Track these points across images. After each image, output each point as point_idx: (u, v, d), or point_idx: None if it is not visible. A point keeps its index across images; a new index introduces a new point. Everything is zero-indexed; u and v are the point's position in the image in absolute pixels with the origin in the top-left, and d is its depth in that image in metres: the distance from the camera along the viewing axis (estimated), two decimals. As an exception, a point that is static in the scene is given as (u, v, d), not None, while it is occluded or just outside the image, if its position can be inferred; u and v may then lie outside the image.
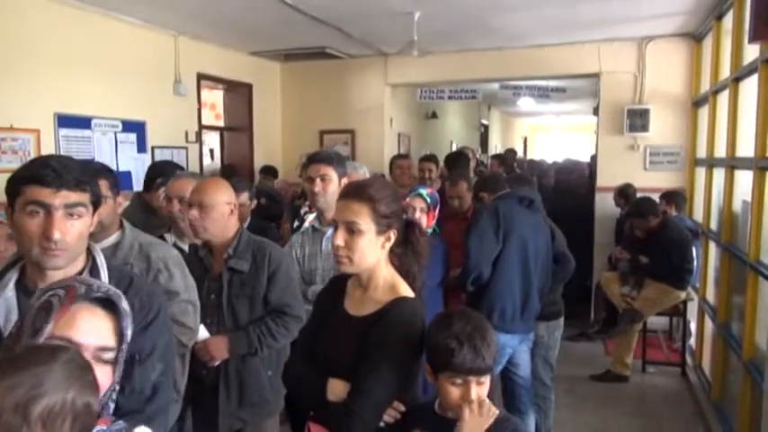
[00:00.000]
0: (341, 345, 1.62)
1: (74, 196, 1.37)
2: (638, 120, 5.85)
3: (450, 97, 7.23)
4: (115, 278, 1.49)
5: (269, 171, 6.41)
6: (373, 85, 6.85)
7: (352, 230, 1.58)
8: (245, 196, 3.30)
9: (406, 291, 1.64)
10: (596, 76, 6.08)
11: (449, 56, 6.35)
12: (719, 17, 4.74)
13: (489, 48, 6.23)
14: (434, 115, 9.44)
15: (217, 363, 2.24)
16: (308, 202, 3.48)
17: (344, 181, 2.68)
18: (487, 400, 1.50)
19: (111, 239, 2.08)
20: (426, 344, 1.54)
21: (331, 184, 2.62)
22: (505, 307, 3.06)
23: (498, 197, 3.25)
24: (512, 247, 3.07)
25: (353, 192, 1.63)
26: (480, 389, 1.51)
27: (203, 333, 2.21)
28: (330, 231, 2.56)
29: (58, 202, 1.35)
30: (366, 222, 1.58)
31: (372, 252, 1.61)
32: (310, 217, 3.25)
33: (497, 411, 1.52)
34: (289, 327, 2.25)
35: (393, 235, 1.62)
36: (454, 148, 10.33)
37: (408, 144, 8.14)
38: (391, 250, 1.67)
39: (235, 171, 5.98)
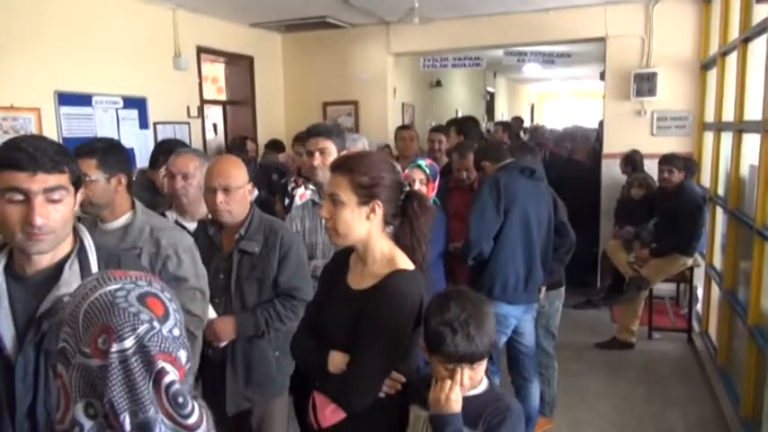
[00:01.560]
0: (341, 318, 1.65)
1: (52, 179, 1.33)
2: (645, 84, 5.76)
3: (453, 65, 7.14)
4: (104, 259, 1.48)
5: (274, 146, 6.25)
6: (375, 54, 6.77)
7: (335, 202, 1.62)
8: None
9: (405, 263, 1.64)
10: (602, 40, 5.96)
11: (451, 23, 6.23)
12: (729, -24, 4.63)
13: (493, 13, 6.11)
14: (439, 84, 9.35)
15: (223, 344, 2.25)
16: (293, 178, 3.48)
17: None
18: (458, 391, 1.50)
19: (122, 221, 2.05)
20: (424, 325, 1.55)
21: (330, 158, 2.59)
22: (508, 278, 3.06)
23: (500, 168, 3.22)
24: (514, 219, 3.06)
25: (336, 164, 1.68)
26: (474, 373, 1.52)
27: (210, 313, 2.20)
28: (330, 206, 2.56)
29: (36, 187, 1.31)
30: (346, 194, 1.61)
31: (357, 223, 1.63)
32: (299, 191, 3.29)
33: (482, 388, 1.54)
34: (297, 310, 2.23)
35: (378, 206, 1.63)
36: (459, 115, 10.24)
37: (413, 114, 8.07)
38: (387, 222, 1.67)
39: (245, 143, 5.82)
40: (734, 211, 3.98)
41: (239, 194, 2.24)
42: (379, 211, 1.64)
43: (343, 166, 1.65)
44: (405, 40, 6.59)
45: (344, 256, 1.77)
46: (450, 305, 1.51)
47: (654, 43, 5.75)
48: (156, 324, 0.94)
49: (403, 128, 5.19)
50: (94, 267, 1.46)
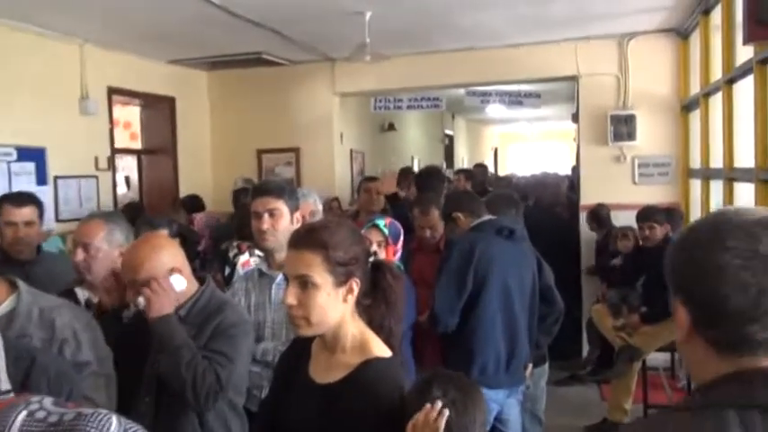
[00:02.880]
0: (307, 418, 1.60)
1: None
2: (623, 127, 6.06)
3: (409, 107, 7.35)
4: (12, 357, 1.46)
5: (188, 203, 6.15)
6: (319, 95, 6.92)
7: (305, 285, 1.58)
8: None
9: (381, 349, 1.63)
10: (574, 78, 6.30)
11: (407, 60, 6.45)
12: (706, 11, 4.99)
13: (453, 49, 6.37)
14: (392, 127, 9.63)
15: (143, 306, 2.09)
16: (236, 243, 3.51)
17: (297, 216, 2.68)
18: None
19: (4, 307, 2.01)
20: (400, 415, 1.53)
21: (281, 220, 2.61)
22: (487, 360, 3.06)
23: (474, 228, 3.24)
24: (492, 289, 3.07)
25: (302, 239, 1.63)
26: None
27: (180, 284, 2.12)
28: (281, 277, 2.54)
29: None
30: (320, 274, 1.57)
31: (333, 308, 1.60)
32: (242, 259, 3.28)
33: None
34: (221, 374, 2.06)
35: (356, 285, 1.62)
36: (416, 165, 10.41)
37: (362, 162, 8.28)
38: (358, 301, 1.66)
39: (139, 211, 5.53)
40: (731, 269, 4.13)
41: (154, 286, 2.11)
42: (357, 289, 1.63)
43: (313, 240, 1.60)
44: (353, 78, 6.76)
45: (305, 343, 1.74)
46: (431, 389, 1.52)
47: (630, 82, 6.09)
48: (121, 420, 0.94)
49: (369, 179, 5.30)
50: (1, 368, 1.42)
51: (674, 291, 0.99)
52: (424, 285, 3.46)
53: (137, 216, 4.39)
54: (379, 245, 3.04)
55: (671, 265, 1.00)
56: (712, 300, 0.92)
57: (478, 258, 3.04)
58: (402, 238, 3.25)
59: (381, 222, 3.17)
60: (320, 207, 3.66)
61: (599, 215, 5.90)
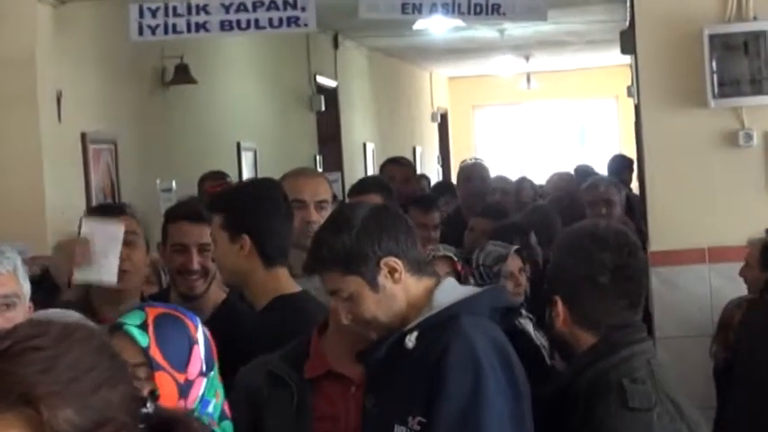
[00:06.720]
0: None
1: None
2: (740, 63, 6.08)
3: (225, 25, 7.12)
4: None
5: None
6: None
7: None
8: None
9: None
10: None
11: None
12: None
13: None
14: (184, 76, 9.58)
15: None
16: None
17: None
18: None
19: None
20: None
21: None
22: None
23: (460, 308, 3.40)
24: None
25: None
26: None
27: None
28: None
29: None
30: None
31: None
32: None
33: None
34: None
35: None
36: (246, 165, 10.95)
37: (113, 161, 8.36)
38: None
39: None
40: None
41: None
42: None
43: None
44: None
45: None
46: None
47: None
48: None
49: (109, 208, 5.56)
50: None
51: None
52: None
53: None
54: (145, 380, 3.12)
55: None
56: None
57: (521, 375, 3.51)
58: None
59: (136, 319, 3.15)
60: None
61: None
